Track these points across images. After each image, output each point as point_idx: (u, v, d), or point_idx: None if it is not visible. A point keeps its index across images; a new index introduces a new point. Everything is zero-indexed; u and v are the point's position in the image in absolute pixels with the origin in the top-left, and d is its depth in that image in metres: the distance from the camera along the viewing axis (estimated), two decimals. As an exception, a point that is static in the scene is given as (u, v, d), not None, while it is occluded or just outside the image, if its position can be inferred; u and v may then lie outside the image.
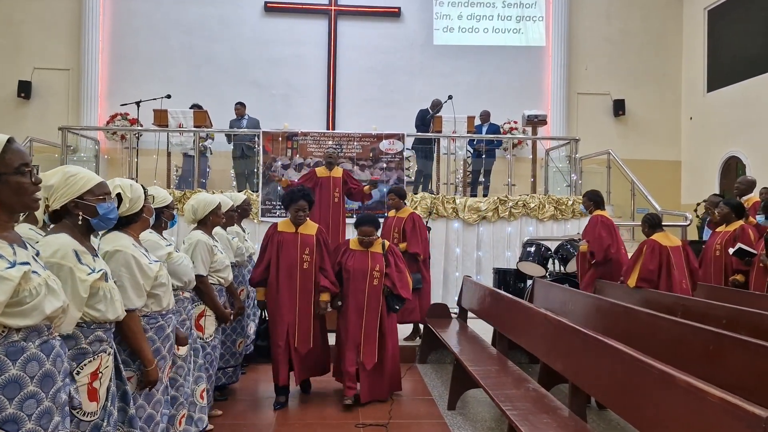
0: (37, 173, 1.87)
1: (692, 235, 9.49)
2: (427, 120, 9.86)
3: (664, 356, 3.14)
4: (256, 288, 4.86)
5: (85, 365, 2.19)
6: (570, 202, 8.91)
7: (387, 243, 4.86)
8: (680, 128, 12.99)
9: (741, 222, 6.02)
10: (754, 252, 5.69)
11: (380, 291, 4.72)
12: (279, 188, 8.16)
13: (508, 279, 7.61)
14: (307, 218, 4.77)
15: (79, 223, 2.24)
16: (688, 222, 8.86)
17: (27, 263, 1.76)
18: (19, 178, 1.77)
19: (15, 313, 1.69)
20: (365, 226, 4.73)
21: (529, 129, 10.49)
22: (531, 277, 7.08)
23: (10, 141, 1.78)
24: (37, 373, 1.75)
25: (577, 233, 8.29)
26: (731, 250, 5.84)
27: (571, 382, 3.60)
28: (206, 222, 4.11)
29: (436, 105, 9.97)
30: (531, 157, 10.14)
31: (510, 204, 8.79)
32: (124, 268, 2.58)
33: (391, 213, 6.56)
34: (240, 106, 10.10)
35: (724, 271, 6.03)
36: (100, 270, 2.23)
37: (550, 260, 7.55)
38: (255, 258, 5.81)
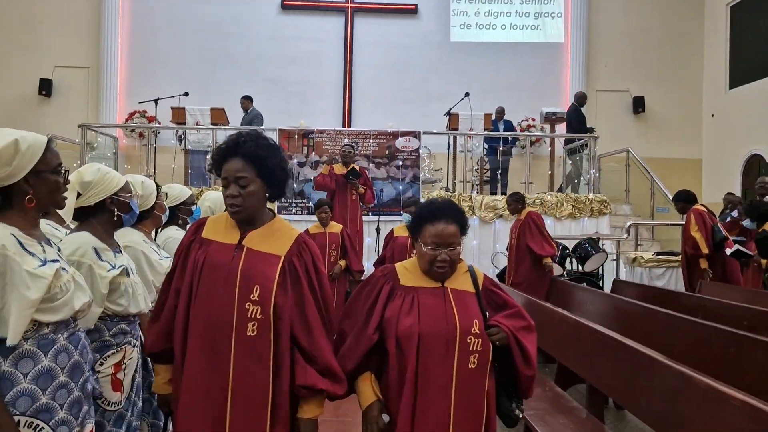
0: (67, 175, 1.94)
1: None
2: (581, 114, 9.97)
3: (684, 357, 3.08)
4: (154, 365, 2.22)
5: (108, 357, 2.25)
6: (589, 201, 8.82)
7: (478, 270, 2.20)
8: (701, 126, 12.79)
9: (693, 207, 6.22)
10: (751, 254, 5.95)
11: (483, 384, 2.06)
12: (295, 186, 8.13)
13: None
14: (255, 210, 2.01)
15: (114, 219, 2.34)
16: (709, 221, 8.73)
17: (57, 260, 1.83)
18: (56, 177, 1.85)
19: (47, 309, 1.75)
20: (442, 221, 2.07)
21: (547, 126, 10.41)
22: (548, 276, 7.02)
23: (50, 141, 1.85)
24: (67, 364, 1.81)
25: (596, 231, 8.22)
26: (728, 251, 6.02)
27: (588, 383, 3.56)
28: (222, 220, 4.11)
29: (583, 97, 10.09)
30: (549, 154, 10.07)
31: (527, 202, 8.72)
32: (133, 264, 2.62)
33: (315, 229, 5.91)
34: (246, 100, 10.08)
35: (686, 259, 6.31)
36: (121, 266, 2.28)
37: (568, 259, 7.47)
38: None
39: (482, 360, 2.03)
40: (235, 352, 1.92)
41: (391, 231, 6.11)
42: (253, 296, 1.94)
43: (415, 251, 2.19)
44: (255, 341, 1.93)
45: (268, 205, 2.12)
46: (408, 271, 2.15)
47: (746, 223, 6.01)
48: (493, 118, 10.24)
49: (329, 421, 4.11)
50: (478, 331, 2.03)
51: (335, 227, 5.89)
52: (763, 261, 5.63)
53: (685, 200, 6.35)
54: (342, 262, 5.79)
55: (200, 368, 1.94)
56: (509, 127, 10.50)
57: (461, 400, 2.00)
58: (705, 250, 5.97)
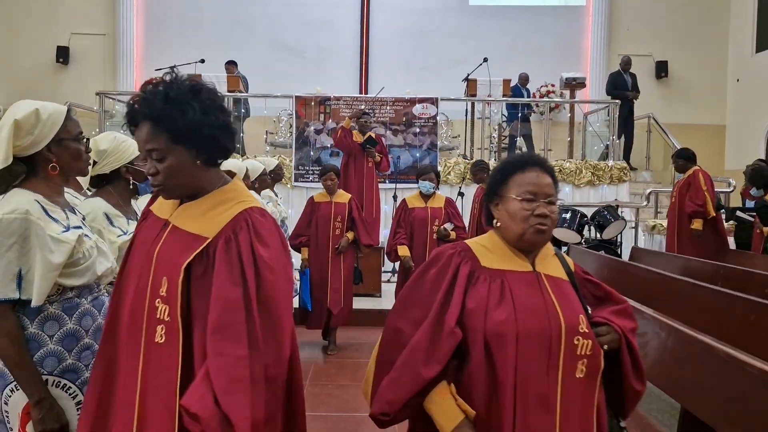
0: (87, 143, 2.00)
1: (735, 201, 9.21)
2: (620, 82, 9.81)
3: (703, 325, 3.07)
4: None
5: None
6: (608, 168, 8.72)
7: (565, 254, 1.77)
8: (726, 91, 12.48)
9: (695, 167, 6.19)
10: (751, 219, 6.23)
11: (593, 399, 1.57)
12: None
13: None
14: (188, 185, 1.52)
15: (131, 187, 2.38)
16: (732, 188, 8.60)
17: (79, 227, 1.89)
18: (78, 144, 1.91)
19: (71, 274, 1.82)
20: (535, 168, 1.61)
21: (566, 92, 10.23)
22: (566, 244, 6.99)
23: (69, 110, 1.91)
24: (91, 327, 1.89)
25: (615, 199, 8.14)
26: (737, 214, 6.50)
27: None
28: (239, 187, 4.15)
29: (627, 62, 9.93)
30: (568, 121, 9.93)
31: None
32: None
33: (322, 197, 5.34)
34: (229, 65, 9.99)
35: (679, 217, 6.22)
36: (131, 232, 2.30)
37: (586, 227, 7.42)
38: (288, 223, 5.86)
39: (592, 367, 1.54)
40: (143, 362, 1.47)
41: (403, 201, 5.37)
42: (162, 291, 1.46)
43: (496, 221, 1.65)
44: (163, 350, 1.45)
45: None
46: (487, 249, 1.63)
47: (753, 191, 6.03)
48: (516, 83, 10.13)
49: (335, 417, 4.17)
50: (586, 330, 1.54)
51: (343, 196, 5.29)
52: (765, 229, 5.69)
53: (686, 158, 6.28)
54: (350, 234, 5.22)
55: (102, 377, 1.54)
56: (529, 95, 10.40)
57: (567, 419, 1.51)
58: (712, 213, 5.94)
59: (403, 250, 5.11)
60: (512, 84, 9.96)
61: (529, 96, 10.37)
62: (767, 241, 5.76)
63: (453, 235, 5.08)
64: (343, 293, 5.18)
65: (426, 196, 5.24)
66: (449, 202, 5.30)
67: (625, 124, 9.81)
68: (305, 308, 5.19)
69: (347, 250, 5.23)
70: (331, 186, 5.22)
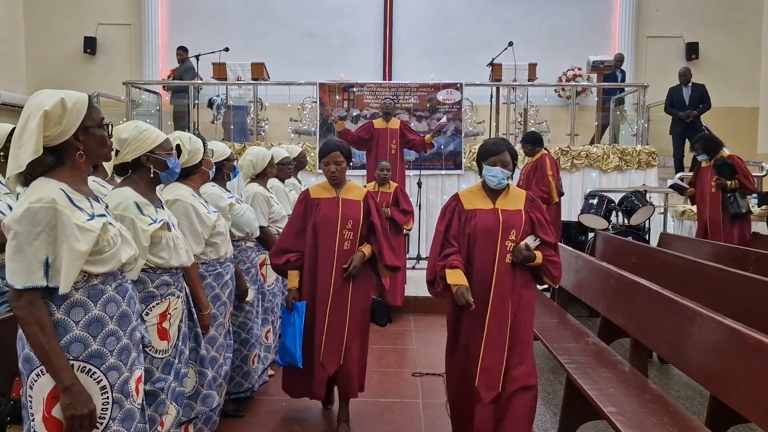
0: (111, 130, 2.03)
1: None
2: (677, 98, 9.28)
3: (733, 312, 3.01)
4: None
5: (153, 307, 2.35)
6: (636, 152, 8.57)
7: None
8: (759, 72, 12.14)
9: (542, 152, 6.16)
10: (686, 186, 6.38)
11: None
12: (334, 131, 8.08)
13: (570, 231, 7.45)
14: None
15: (151, 176, 2.39)
16: (765, 172, 8.39)
17: (104, 215, 1.92)
18: (102, 131, 1.95)
19: (96, 261, 1.85)
20: None
21: (594, 75, 10.06)
22: (593, 230, 6.91)
23: (90, 97, 1.94)
24: (116, 313, 1.92)
25: (643, 184, 8.00)
26: (669, 182, 6.66)
27: (632, 337, 3.52)
28: (263, 175, 4.18)
29: (683, 74, 9.45)
30: (595, 105, 9.78)
31: (572, 154, 8.53)
32: (182, 217, 2.73)
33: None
34: (181, 51, 10.00)
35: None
36: (161, 220, 2.34)
37: (614, 212, 7.32)
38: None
39: None
40: None
41: (455, 198, 2.95)
42: None
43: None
44: None
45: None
46: None
47: (701, 157, 6.03)
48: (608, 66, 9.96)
49: (360, 402, 4.19)
50: None
51: (355, 191, 3.46)
52: (729, 183, 5.77)
53: (533, 142, 6.19)
54: (365, 249, 3.36)
55: None
56: (623, 77, 10.17)
57: None
58: (555, 199, 5.94)
59: (457, 277, 2.78)
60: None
61: (623, 80, 10.09)
62: (725, 194, 5.83)
63: (539, 257, 2.85)
64: (349, 343, 3.35)
65: (495, 192, 2.91)
66: (532, 203, 2.93)
67: (680, 140, 9.09)
68: (293, 366, 3.33)
69: (361, 273, 3.36)
70: (337, 174, 3.36)
